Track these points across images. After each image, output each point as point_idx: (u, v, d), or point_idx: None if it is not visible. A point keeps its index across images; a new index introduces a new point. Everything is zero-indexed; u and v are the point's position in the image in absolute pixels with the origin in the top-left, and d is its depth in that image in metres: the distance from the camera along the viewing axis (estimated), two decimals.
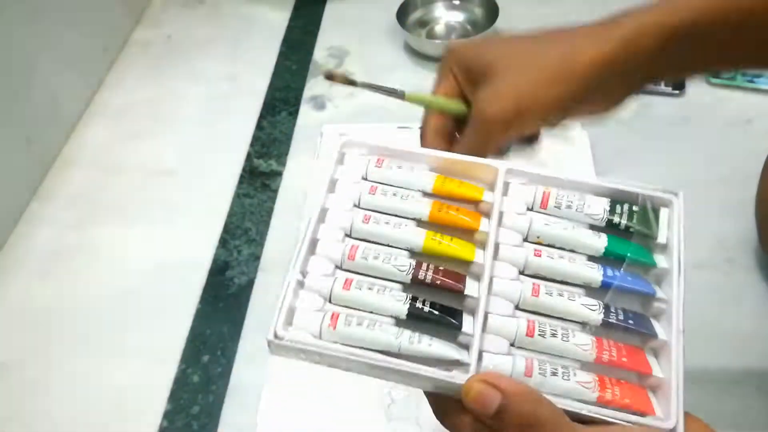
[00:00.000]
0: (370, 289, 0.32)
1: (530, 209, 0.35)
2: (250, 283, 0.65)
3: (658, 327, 0.32)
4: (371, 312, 0.31)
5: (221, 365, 0.60)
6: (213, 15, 1.01)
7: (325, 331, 0.30)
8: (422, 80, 0.85)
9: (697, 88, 0.80)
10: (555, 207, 0.34)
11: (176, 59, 0.93)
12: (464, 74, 0.39)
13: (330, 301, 0.32)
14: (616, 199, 0.35)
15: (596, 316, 0.31)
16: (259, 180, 0.75)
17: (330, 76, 0.40)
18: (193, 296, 0.65)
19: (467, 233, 0.34)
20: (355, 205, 0.35)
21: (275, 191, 0.74)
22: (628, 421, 0.28)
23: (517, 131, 0.37)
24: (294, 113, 0.83)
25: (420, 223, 0.35)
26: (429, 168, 0.36)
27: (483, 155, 0.36)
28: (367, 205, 0.35)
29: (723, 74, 0.80)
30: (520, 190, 0.35)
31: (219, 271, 0.67)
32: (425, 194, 0.36)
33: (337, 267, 0.33)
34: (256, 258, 0.68)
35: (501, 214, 0.34)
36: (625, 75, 0.36)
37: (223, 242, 0.69)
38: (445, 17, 0.93)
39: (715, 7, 0.35)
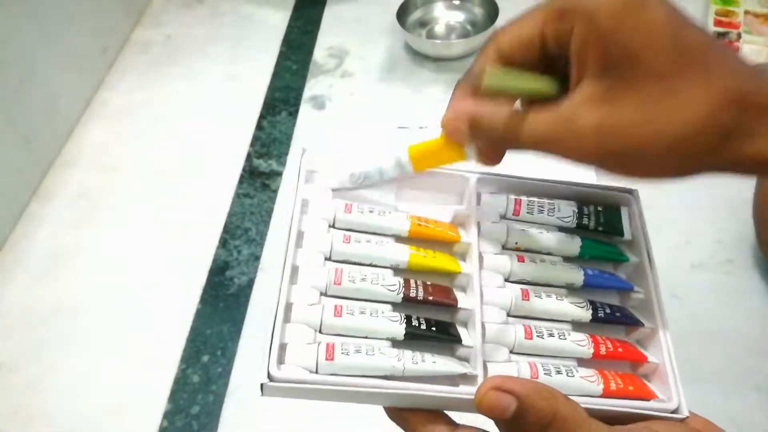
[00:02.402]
0: (362, 313, 0.30)
1: (504, 217, 0.35)
2: (250, 283, 0.65)
3: (640, 317, 0.33)
4: (366, 337, 0.30)
5: (221, 365, 0.60)
6: (213, 15, 1.00)
7: (323, 364, 0.28)
8: (422, 80, 0.85)
9: None
10: (527, 213, 0.35)
11: (176, 59, 0.93)
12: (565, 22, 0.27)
13: (321, 332, 0.30)
14: (582, 200, 0.36)
15: (586, 313, 0.32)
16: (259, 180, 0.75)
17: None
18: (193, 296, 0.65)
19: (446, 246, 0.34)
20: (330, 226, 0.33)
21: (275, 191, 0.74)
22: (633, 408, 0.29)
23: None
24: (294, 113, 0.83)
25: (399, 239, 0.34)
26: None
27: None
28: (343, 224, 0.33)
29: None
30: (492, 200, 0.35)
31: (219, 271, 0.67)
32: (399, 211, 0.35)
33: (322, 294, 0.31)
34: (256, 258, 0.68)
35: (478, 224, 0.34)
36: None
37: (223, 242, 0.69)
38: (445, 17, 0.93)
39: None
